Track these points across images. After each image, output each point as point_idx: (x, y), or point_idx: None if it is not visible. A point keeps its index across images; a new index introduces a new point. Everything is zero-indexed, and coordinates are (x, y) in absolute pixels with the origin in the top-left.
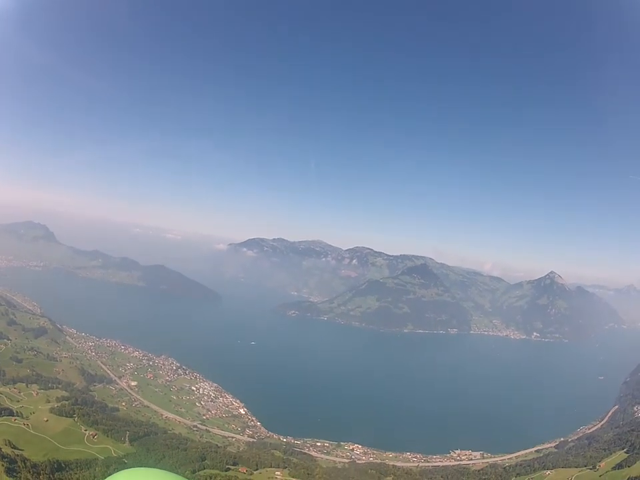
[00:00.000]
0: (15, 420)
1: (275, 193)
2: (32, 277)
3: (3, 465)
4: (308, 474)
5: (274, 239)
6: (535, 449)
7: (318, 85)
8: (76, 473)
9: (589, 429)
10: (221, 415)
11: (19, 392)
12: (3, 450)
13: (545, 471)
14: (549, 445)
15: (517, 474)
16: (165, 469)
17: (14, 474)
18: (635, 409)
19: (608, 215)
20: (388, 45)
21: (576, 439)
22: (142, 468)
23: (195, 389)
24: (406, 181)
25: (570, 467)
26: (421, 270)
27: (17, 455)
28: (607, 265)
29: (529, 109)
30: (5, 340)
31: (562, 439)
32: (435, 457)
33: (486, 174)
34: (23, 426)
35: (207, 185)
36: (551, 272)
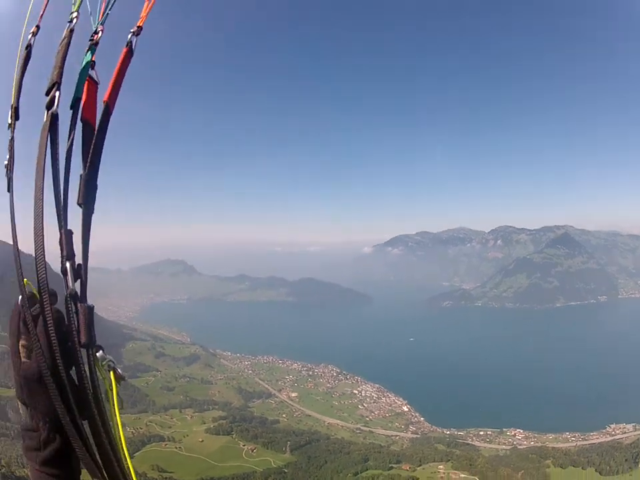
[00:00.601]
0: (166, 445)
1: (411, 187)
2: (177, 310)
3: None
4: (470, 465)
5: (417, 232)
6: None
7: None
8: None
9: None
10: (384, 414)
11: (172, 418)
12: (148, 475)
13: None
14: None
15: None
16: None
17: None
18: None
19: None
20: None
21: None
22: None
23: (356, 392)
24: (536, 149)
25: None
26: (564, 240)
27: (166, 478)
28: None
29: None
30: (154, 372)
31: None
32: (592, 434)
33: (616, 126)
34: (175, 449)
35: (344, 190)
36: None
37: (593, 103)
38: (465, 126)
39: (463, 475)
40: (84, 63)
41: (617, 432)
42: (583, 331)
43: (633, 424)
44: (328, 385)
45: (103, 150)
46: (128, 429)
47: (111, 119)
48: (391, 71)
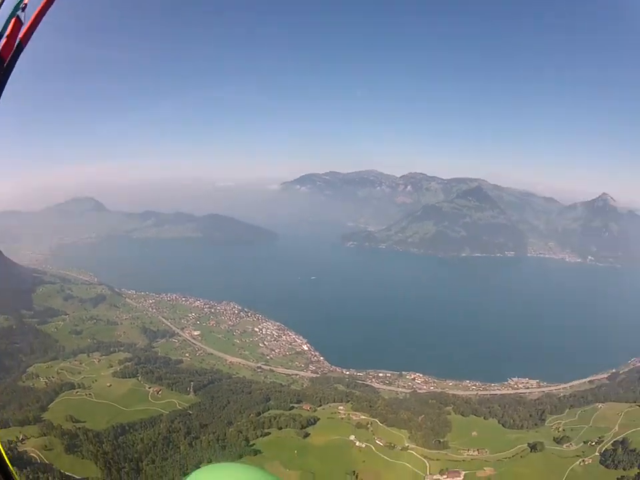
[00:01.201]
0: (77, 392)
1: (321, 124)
2: (84, 250)
3: (62, 443)
4: (370, 406)
5: (326, 172)
6: (588, 379)
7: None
8: (140, 433)
9: None
10: (284, 353)
11: (80, 363)
12: (63, 427)
13: (597, 404)
14: (601, 376)
15: (571, 405)
16: (245, 463)
17: (75, 450)
18: None
19: None
20: None
21: (627, 371)
22: (220, 464)
23: (257, 330)
24: (455, 99)
25: (621, 401)
26: (476, 192)
27: (79, 429)
28: None
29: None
30: (63, 315)
31: (614, 370)
32: (493, 384)
33: (535, 91)
34: (85, 397)
35: (250, 126)
36: (604, 193)
37: (516, 54)
38: (380, 65)
39: (363, 417)
40: (15, 3)
41: (520, 386)
42: (487, 283)
43: (537, 380)
44: (230, 322)
45: (5, 86)
46: (41, 379)
47: (20, 57)
48: None
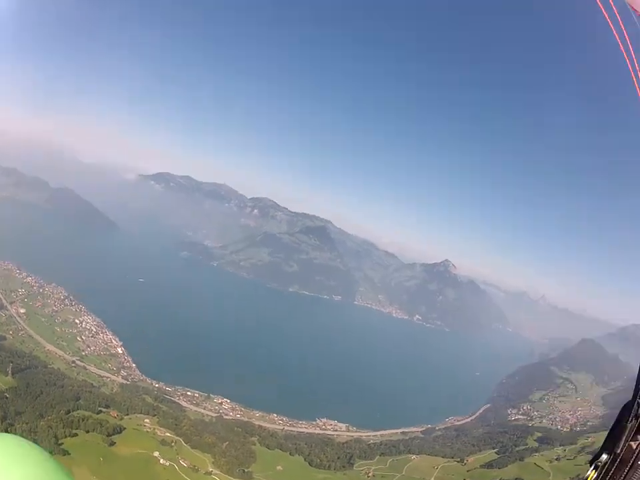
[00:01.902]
0: None
1: (190, 127)
2: None
3: None
4: (176, 424)
5: (182, 175)
6: (401, 430)
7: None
8: None
9: (458, 421)
10: (99, 352)
11: None
12: None
13: (410, 455)
14: (415, 429)
15: (382, 453)
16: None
17: None
18: (509, 411)
19: (509, 219)
20: None
21: (443, 428)
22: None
23: (78, 322)
24: (318, 138)
25: (436, 456)
26: (319, 232)
27: None
28: (502, 267)
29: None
30: None
31: (429, 426)
32: (301, 422)
33: (398, 152)
34: None
35: (122, 109)
36: (446, 260)
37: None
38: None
39: (168, 434)
40: None
41: (328, 427)
42: (312, 321)
43: (346, 424)
44: (54, 307)
45: None
46: None
47: None
48: None
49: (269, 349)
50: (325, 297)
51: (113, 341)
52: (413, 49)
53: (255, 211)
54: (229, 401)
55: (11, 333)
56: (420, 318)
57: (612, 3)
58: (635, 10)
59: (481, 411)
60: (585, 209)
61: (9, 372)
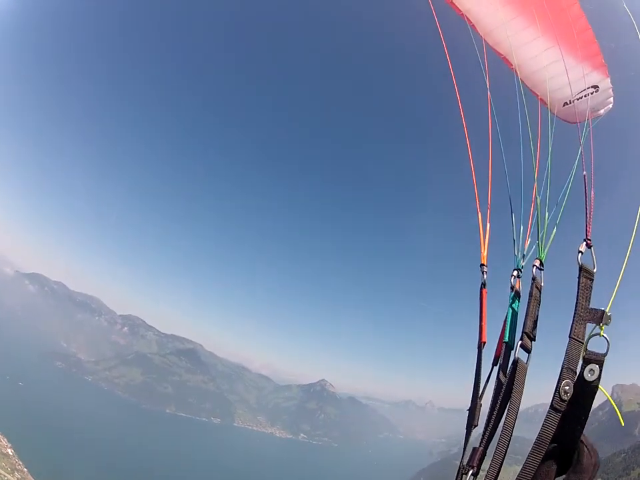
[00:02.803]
0: None
1: (67, 232)
2: None
3: None
4: None
5: (56, 281)
6: None
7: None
8: None
9: None
10: None
11: None
12: None
13: None
14: None
15: None
16: None
17: None
18: None
19: (387, 336)
20: None
21: None
22: None
23: None
24: (189, 262)
25: None
26: (190, 354)
27: None
28: (383, 381)
29: None
30: None
31: None
32: None
33: (267, 278)
34: None
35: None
36: (323, 379)
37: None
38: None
39: None
40: None
41: None
42: (192, 445)
43: None
44: None
45: None
46: None
47: None
48: None
49: (151, 472)
50: (204, 419)
51: (2, 440)
52: None
53: (125, 328)
54: None
55: None
56: (305, 436)
57: None
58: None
59: None
60: None
61: None
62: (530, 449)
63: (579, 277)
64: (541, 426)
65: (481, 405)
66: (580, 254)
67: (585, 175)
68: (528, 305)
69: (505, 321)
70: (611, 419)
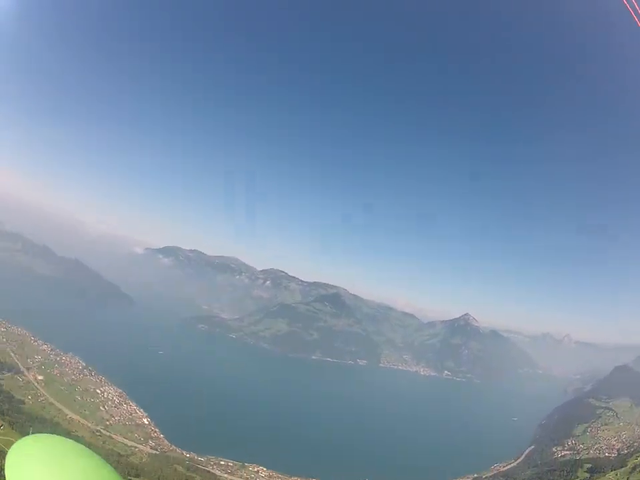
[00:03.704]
0: None
1: (197, 202)
2: None
3: None
4: None
5: (191, 249)
6: None
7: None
8: None
9: (504, 467)
10: (124, 422)
11: None
12: None
13: None
14: None
15: None
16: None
17: None
18: (555, 449)
19: (526, 266)
20: None
21: (491, 476)
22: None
23: (99, 392)
24: (326, 210)
25: None
26: (334, 299)
27: None
28: (523, 313)
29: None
30: None
31: (475, 475)
32: None
33: (406, 214)
34: None
35: (130, 183)
36: (466, 314)
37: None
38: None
39: None
40: None
41: None
42: (337, 387)
43: None
44: (73, 376)
45: None
46: None
47: None
48: None
49: (301, 416)
50: (350, 362)
51: (138, 411)
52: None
53: (267, 282)
54: (265, 468)
55: (30, 397)
56: (449, 373)
57: None
58: None
59: (525, 453)
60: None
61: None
62: None
63: None
64: None
65: None
66: None
67: None
68: None
69: None
70: None
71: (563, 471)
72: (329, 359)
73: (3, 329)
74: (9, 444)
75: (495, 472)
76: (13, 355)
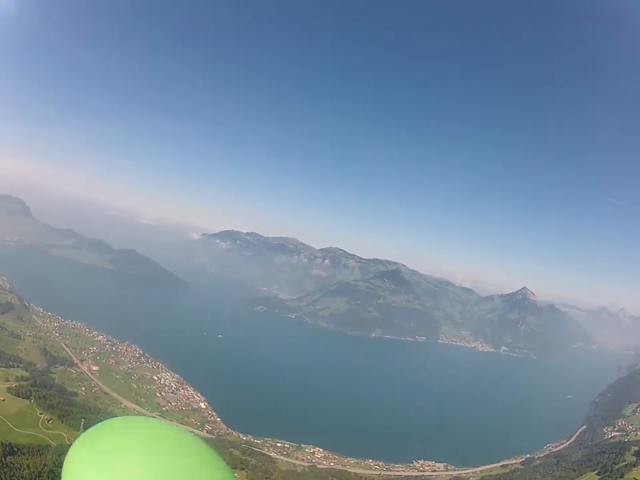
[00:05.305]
0: None
1: (252, 185)
2: (4, 251)
3: None
4: (266, 477)
5: (248, 232)
6: (501, 464)
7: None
8: (27, 459)
9: (556, 447)
10: (181, 407)
11: None
12: None
13: None
14: (514, 461)
15: None
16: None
17: None
18: (605, 430)
19: (583, 238)
20: None
21: (543, 457)
22: (135, 417)
23: (156, 378)
24: (383, 185)
25: None
26: (393, 275)
27: None
28: (579, 286)
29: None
30: None
31: (528, 456)
32: (397, 465)
33: (464, 186)
34: None
35: (184, 171)
36: (524, 288)
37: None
38: (321, 134)
39: None
40: None
41: (426, 468)
42: (397, 364)
43: (445, 463)
44: (129, 365)
45: None
46: None
47: None
48: None
49: (358, 395)
50: (409, 339)
51: (195, 396)
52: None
53: (326, 261)
54: (321, 449)
55: (83, 389)
56: (506, 349)
57: None
58: None
59: (577, 433)
60: None
61: (81, 427)
62: None
63: None
64: None
65: None
66: None
67: None
68: None
69: None
70: None
71: (612, 453)
72: (388, 336)
73: (56, 324)
74: (57, 438)
75: (547, 452)
76: (66, 347)
